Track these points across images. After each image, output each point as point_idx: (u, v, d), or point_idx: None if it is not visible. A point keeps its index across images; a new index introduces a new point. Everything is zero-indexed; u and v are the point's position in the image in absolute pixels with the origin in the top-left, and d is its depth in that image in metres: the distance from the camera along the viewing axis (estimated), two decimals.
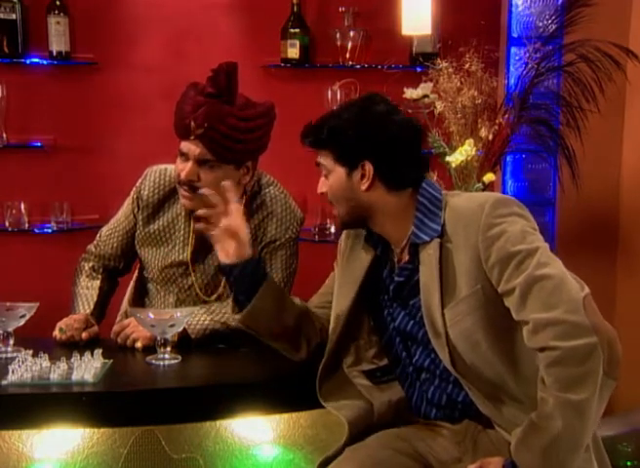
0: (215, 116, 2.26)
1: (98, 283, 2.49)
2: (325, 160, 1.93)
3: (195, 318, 2.28)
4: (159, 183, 2.45)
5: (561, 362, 1.64)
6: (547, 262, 1.73)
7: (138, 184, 2.48)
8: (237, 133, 2.28)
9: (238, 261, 1.97)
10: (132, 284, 2.66)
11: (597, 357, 1.63)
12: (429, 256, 1.83)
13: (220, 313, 2.32)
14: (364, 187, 1.89)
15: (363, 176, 1.89)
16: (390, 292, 1.94)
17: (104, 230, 2.55)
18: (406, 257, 1.90)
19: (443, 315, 1.80)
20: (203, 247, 2.40)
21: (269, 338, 2.04)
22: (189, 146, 2.29)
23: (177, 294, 2.47)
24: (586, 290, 1.71)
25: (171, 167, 2.46)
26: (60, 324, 2.28)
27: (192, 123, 2.24)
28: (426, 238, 1.84)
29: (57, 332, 2.27)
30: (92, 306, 2.42)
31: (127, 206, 2.50)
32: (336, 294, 2.02)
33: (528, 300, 1.70)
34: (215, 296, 2.44)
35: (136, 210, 2.47)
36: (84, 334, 2.27)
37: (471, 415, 1.86)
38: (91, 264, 2.52)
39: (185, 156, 2.31)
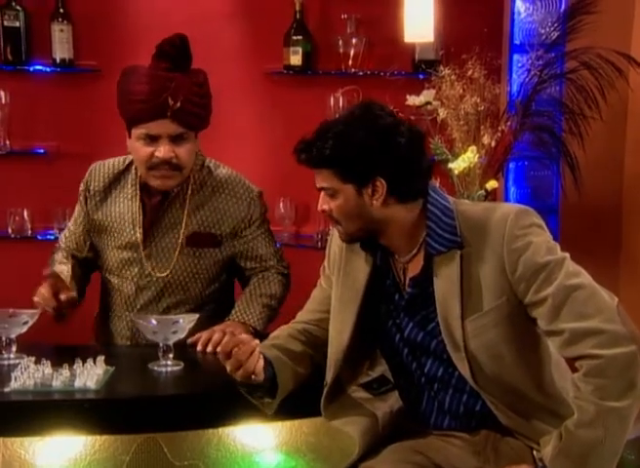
0: (186, 88, 2.28)
1: (70, 265, 2.49)
2: (329, 181, 1.81)
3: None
4: (103, 172, 2.50)
5: (603, 370, 1.63)
6: (577, 272, 1.73)
7: (84, 180, 2.52)
8: (201, 99, 2.32)
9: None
10: (100, 294, 2.64)
11: (637, 364, 1.63)
12: (447, 268, 1.79)
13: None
14: (378, 204, 1.80)
15: (375, 192, 1.79)
16: (397, 302, 1.90)
17: (66, 232, 2.60)
18: (417, 268, 1.85)
19: (463, 327, 1.77)
20: (152, 226, 2.43)
21: None
22: (161, 126, 2.28)
23: (136, 282, 2.47)
24: (615, 298, 1.71)
25: (112, 160, 2.51)
26: (35, 299, 2.27)
27: (170, 100, 2.23)
28: (443, 249, 1.80)
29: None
30: (69, 274, 2.41)
31: (78, 203, 2.55)
32: (337, 310, 1.95)
33: (562, 310, 1.68)
34: (167, 272, 2.44)
35: (84, 202, 2.51)
36: (62, 296, 2.24)
37: (488, 425, 1.83)
38: (62, 253, 2.55)
39: (154, 138, 2.30)
